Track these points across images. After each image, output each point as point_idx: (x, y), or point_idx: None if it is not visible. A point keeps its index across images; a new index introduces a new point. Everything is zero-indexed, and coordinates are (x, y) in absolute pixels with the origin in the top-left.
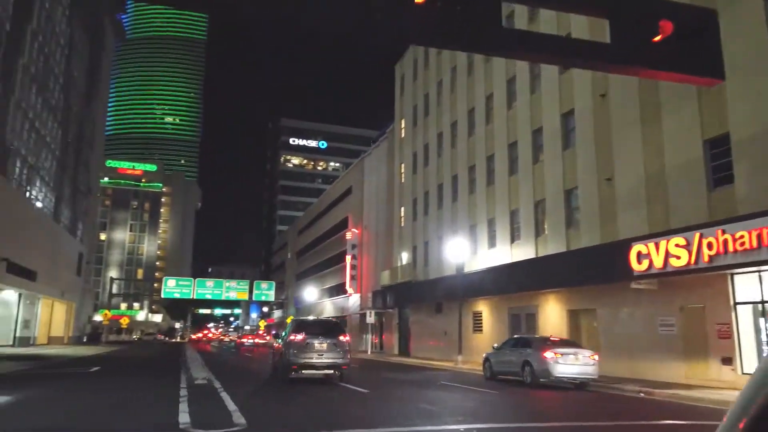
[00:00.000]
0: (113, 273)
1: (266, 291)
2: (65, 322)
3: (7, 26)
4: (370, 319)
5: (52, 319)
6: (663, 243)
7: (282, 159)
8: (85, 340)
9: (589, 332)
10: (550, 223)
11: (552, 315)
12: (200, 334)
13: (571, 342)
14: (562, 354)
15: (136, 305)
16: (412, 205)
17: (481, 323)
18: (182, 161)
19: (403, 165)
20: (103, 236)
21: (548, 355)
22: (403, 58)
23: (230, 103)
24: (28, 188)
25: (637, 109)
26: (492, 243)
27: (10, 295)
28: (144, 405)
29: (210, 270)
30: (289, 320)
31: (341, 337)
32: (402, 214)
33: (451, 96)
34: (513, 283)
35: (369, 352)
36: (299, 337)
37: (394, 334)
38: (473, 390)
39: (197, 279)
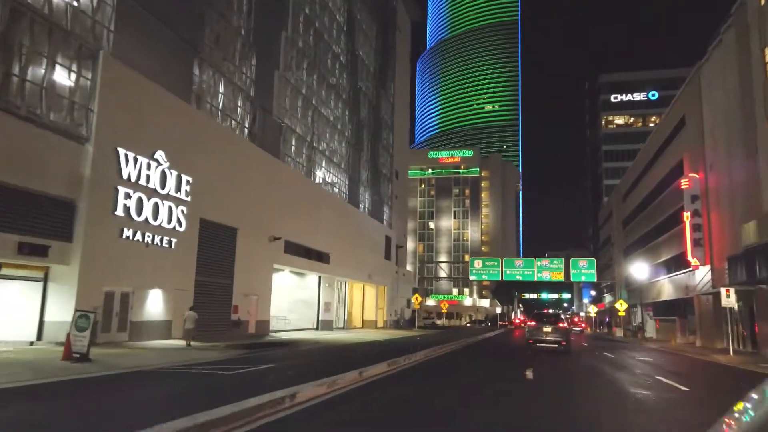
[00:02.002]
0: (443, 259)
1: (585, 270)
2: (376, 306)
3: None
4: (728, 300)
5: (364, 303)
6: None
7: (603, 121)
8: (401, 323)
9: None
10: None
11: None
12: (517, 320)
13: None
14: None
15: (466, 290)
16: None
17: None
18: (504, 146)
19: None
20: (431, 225)
21: None
22: None
23: (545, 76)
24: (311, 168)
25: None
26: None
27: (314, 279)
28: None
29: (546, 254)
30: (618, 305)
31: (560, 324)
32: None
33: None
34: None
35: (731, 352)
36: (533, 323)
37: None
38: None
39: (504, 259)
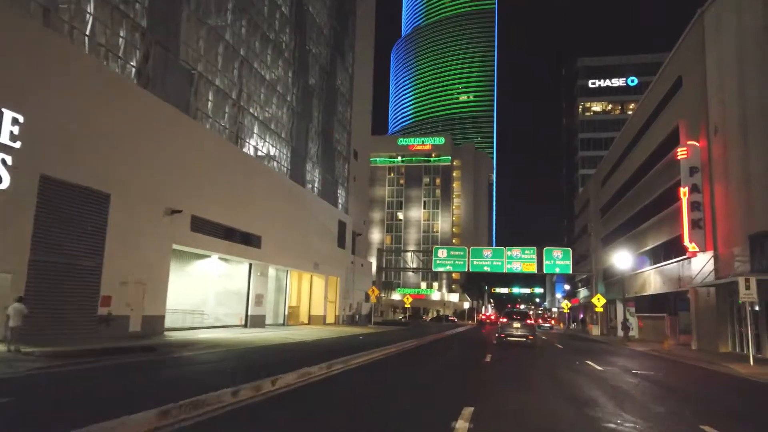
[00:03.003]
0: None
1: (560, 261)
2: (326, 299)
3: None
4: (748, 293)
5: (312, 297)
6: None
7: (580, 108)
8: (357, 319)
9: None
10: None
11: None
12: (482, 316)
13: None
14: None
15: (435, 284)
16: None
17: None
18: (478, 138)
19: None
20: (400, 215)
21: None
22: None
23: (522, 66)
24: (239, 133)
25: None
26: None
27: (246, 267)
28: None
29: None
30: (595, 300)
31: (527, 321)
32: None
33: None
34: None
35: (752, 360)
36: (504, 320)
37: None
38: None
39: (471, 248)
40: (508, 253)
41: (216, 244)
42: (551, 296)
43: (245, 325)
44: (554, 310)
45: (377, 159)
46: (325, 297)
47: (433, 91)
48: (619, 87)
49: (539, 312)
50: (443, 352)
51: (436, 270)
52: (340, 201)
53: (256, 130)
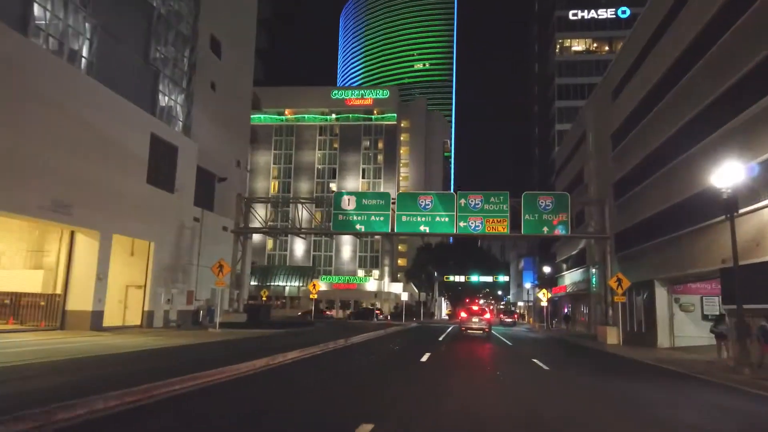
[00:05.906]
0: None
1: (549, 214)
2: (98, 279)
3: None
4: None
5: (71, 275)
6: None
7: (558, 47)
8: (204, 318)
9: None
10: None
11: None
12: (378, 311)
13: None
14: None
15: (376, 272)
16: None
17: None
18: (435, 112)
19: None
20: (333, 186)
21: None
22: None
23: (485, 23)
24: None
25: None
26: None
27: None
28: None
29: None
30: (613, 283)
31: (484, 316)
32: None
33: None
34: None
35: None
36: (465, 316)
37: None
38: None
39: (399, 194)
40: (462, 201)
41: None
42: (517, 287)
43: None
44: (520, 304)
45: (305, 116)
46: (97, 276)
47: (385, 57)
48: (606, 20)
49: (500, 307)
50: None
51: (336, 231)
52: (174, 113)
53: None
